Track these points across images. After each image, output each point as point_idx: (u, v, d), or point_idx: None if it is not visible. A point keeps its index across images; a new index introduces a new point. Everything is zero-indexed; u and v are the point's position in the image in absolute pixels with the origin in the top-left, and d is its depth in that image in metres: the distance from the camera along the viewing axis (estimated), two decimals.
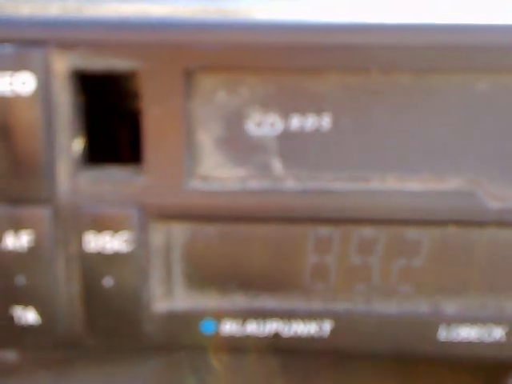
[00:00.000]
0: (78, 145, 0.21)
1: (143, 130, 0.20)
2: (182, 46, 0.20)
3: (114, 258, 0.21)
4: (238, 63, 0.20)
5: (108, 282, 0.22)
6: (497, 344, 0.22)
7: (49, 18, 0.19)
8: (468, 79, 0.21)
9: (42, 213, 0.21)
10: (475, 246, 0.22)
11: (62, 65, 0.20)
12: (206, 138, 0.21)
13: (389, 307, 0.23)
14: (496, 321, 0.22)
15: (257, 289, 0.23)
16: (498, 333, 0.22)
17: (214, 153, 0.21)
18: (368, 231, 0.22)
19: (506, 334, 0.22)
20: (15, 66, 0.20)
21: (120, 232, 0.21)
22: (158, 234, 0.22)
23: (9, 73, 0.20)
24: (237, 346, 0.23)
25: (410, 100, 0.21)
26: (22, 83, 0.20)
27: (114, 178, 0.21)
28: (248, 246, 0.22)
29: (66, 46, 0.20)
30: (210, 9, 0.20)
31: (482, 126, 0.21)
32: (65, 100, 0.20)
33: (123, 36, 0.20)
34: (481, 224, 0.21)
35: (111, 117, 0.23)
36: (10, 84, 0.20)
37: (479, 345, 0.22)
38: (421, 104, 0.21)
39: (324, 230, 0.22)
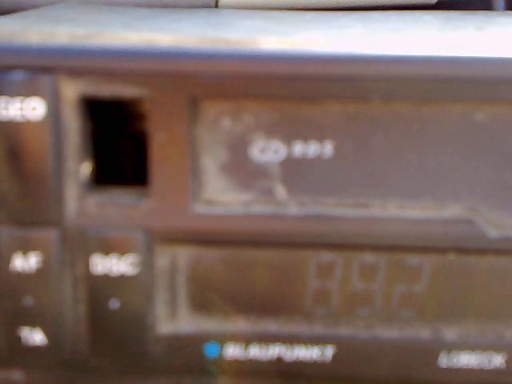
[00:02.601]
0: (86, 169, 0.20)
1: (149, 155, 0.19)
2: (188, 75, 0.19)
3: (120, 280, 0.20)
4: (242, 91, 0.19)
5: (114, 303, 0.20)
6: (497, 371, 0.21)
7: (58, 46, 0.19)
8: (466, 109, 0.19)
9: (50, 235, 0.20)
10: (475, 272, 0.20)
11: (71, 91, 0.19)
12: (211, 163, 0.20)
13: (390, 332, 0.21)
14: (496, 348, 0.21)
15: (260, 313, 0.21)
16: (497, 360, 0.21)
17: (218, 177, 0.20)
18: (369, 257, 0.21)
19: (506, 362, 0.21)
20: (25, 92, 0.19)
21: (126, 255, 0.20)
22: (164, 257, 0.20)
23: (19, 99, 0.19)
24: (240, 370, 0.21)
25: (410, 129, 0.20)
26: (32, 109, 0.19)
27: (120, 202, 0.20)
28: (251, 270, 0.21)
29: (75, 73, 0.19)
30: (216, 39, 0.20)
31: (480, 154, 0.20)
32: (73, 125, 0.19)
33: (131, 64, 0.19)
34: (480, 251, 0.20)
35: (118, 137, 0.22)
36: (21, 109, 0.19)
37: (479, 372, 0.21)
38: (421, 133, 0.20)
39: (326, 256, 0.21)
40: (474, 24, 0.25)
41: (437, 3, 0.34)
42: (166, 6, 0.32)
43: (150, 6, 0.32)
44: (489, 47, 0.19)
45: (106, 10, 0.28)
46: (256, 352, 0.21)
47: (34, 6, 0.30)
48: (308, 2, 0.33)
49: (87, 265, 0.20)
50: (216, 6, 0.33)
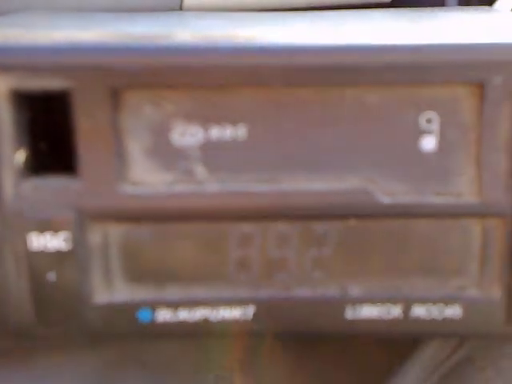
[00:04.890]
0: (20, 156, 0.21)
1: (76, 142, 0.21)
2: (109, 67, 0.20)
3: (56, 255, 0.22)
4: (160, 81, 0.21)
5: (51, 276, 0.22)
6: (395, 320, 0.23)
7: None
8: (360, 93, 0.21)
9: None
10: (373, 235, 0.23)
11: (2, 86, 0.20)
12: (135, 148, 0.22)
13: (304, 292, 0.23)
14: (394, 300, 0.23)
15: (187, 280, 0.23)
16: (396, 311, 0.23)
17: (142, 160, 0.22)
18: (283, 226, 0.23)
19: (403, 312, 0.23)
20: None
21: (60, 232, 0.21)
22: (95, 234, 0.22)
23: None
24: (171, 332, 0.23)
25: (312, 111, 0.22)
26: None
27: (53, 185, 0.21)
28: (178, 242, 0.23)
29: (5, 69, 0.20)
30: (135, 35, 0.21)
31: (373, 132, 0.22)
32: (6, 117, 0.21)
33: (55, 59, 0.20)
34: (376, 216, 0.22)
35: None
36: None
37: (380, 322, 0.23)
38: (322, 114, 0.22)
39: (244, 227, 0.23)
40: (410, 18, 0.27)
41: (392, 1, 0.35)
42: (131, 10, 0.33)
43: (116, 9, 0.32)
44: (379, 35, 0.21)
45: (69, 15, 0.29)
46: (185, 315, 0.23)
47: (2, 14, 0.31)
48: (269, 2, 0.34)
49: (25, 243, 0.21)
50: (181, 8, 0.34)
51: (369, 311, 0.23)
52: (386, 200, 0.22)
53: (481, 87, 0.21)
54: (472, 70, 0.21)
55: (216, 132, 0.22)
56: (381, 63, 0.21)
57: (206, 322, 0.23)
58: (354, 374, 0.25)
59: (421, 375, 0.25)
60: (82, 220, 0.21)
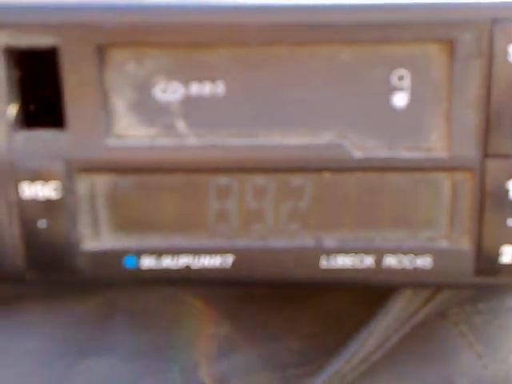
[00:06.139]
0: (13, 110, 0.23)
1: (64, 97, 0.22)
2: (94, 25, 0.22)
3: (46, 203, 0.23)
4: (142, 39, 0.22)
5: (42, 224, 0.24)
6: (368, 270, 0.24)
7: None
8: (333, 50, 0.23)
9: None
10: (347, 189, 0.24)
11: None
12: (120, 103, 0.23)
13: (280, 242, 0.25)
14: (367, 251, 0.24)
15: (170, 230, 0.25)
16: (368, 261, 0.24)
17: (127, 115, 0.23)
18: (260, 179, 0.24)
19: (375, 262, 0.24)
20: None
21: (50, 182, 0.23)
22: (83, 184, 0.24)
23: None
24: (155, 279, 0.25)
25: (288, 68, 0.23)
26: None
27: (43, 138, 0.23)
28: (160, 194, 0.24)
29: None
30: None
31: (346, 89, 0.23)
32: (1, 73, 0.22)
33: (44, 17, 0.22)
34: (348, 170, 0.24)
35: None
36: None
37: (354, 271, 0.25)
38: (296, 71, 0.23)
39: (223, 180, 0.24)
40: None
41: None
42: None
43: None
44: None
45: None
46: (168, 263, 0.25)
47: None
48: None
49: (17, 191, 0.23)
50: None
51: (343, 261, 0.25)
52: (358, 155, 0.23)
53: (451, 45, 0.22)
54: (442, 28, 0.22)
55: (196, 88, 0.23)
56: (353, 21, 0.22)
57: (188, 270, 0.25)
58: (328, 323, 0.27)
59: (393, 325, 0.26)
60: (71, 171, 0.23)
